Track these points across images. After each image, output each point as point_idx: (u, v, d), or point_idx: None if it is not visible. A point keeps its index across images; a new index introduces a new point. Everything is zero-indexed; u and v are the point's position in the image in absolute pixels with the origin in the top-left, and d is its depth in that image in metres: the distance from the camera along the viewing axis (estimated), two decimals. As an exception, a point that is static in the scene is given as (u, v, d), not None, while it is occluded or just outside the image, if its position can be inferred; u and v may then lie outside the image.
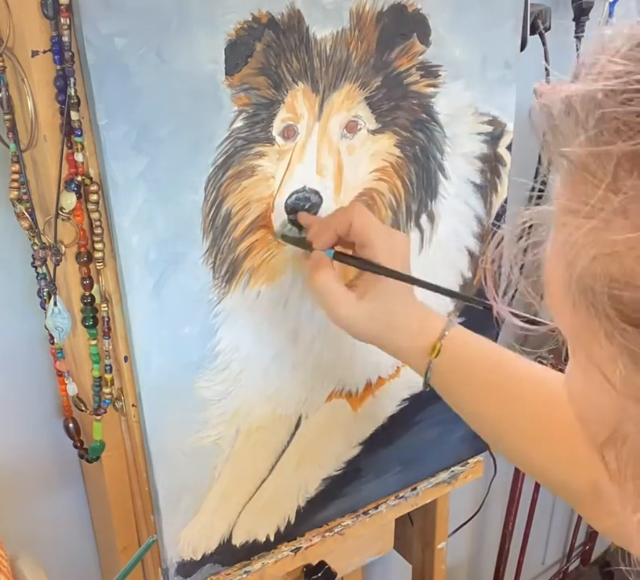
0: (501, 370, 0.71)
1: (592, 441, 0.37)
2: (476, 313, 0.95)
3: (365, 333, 0.72)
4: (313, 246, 0.72)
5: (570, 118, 0.32)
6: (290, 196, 0.74)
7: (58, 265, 0.68)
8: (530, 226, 0.42)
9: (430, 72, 0.78)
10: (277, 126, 0.71)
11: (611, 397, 0.33)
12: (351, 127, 0.75)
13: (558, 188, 0.33)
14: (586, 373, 0.35)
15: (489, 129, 0.86)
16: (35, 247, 0.69)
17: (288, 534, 0.93)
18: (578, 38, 1.14)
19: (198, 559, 0.86)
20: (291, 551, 0.94)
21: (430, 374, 0.71)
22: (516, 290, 0.47)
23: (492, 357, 0.72)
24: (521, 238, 0.43)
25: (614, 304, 0.30)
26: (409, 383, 0.94)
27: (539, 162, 1.19)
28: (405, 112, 0.78)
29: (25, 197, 0.67)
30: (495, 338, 1.01)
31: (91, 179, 0.66)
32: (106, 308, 0.71)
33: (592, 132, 0.30)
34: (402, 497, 1.02)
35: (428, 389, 0.73)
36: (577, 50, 1.15)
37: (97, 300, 0.71)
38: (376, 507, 1.00)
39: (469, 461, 1.07)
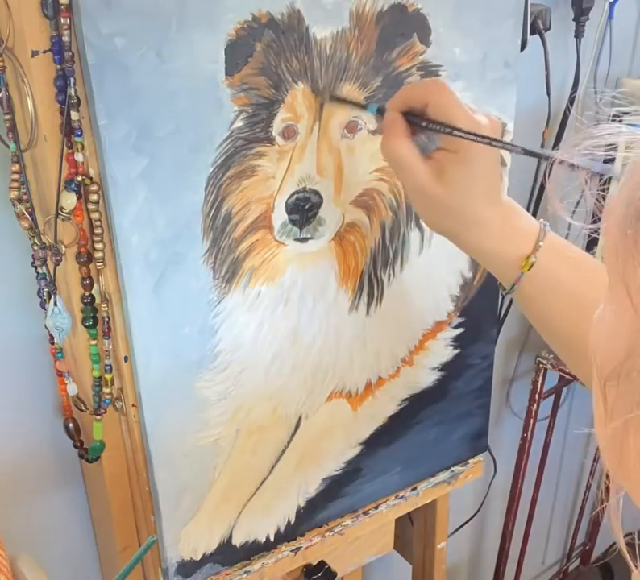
0: (595, 284, 0.59)
1: (598, 372, 0.36)
2: (477, 313, 0.96)
3: (437, 218, 0.64)
4: (388, 106, 0.63)
5: None
6: (290, 197, 0.74)
7: (58, 265, 0.68)
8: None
9: (430, 72, 0.78)
10: (277, 126, 0.71)
11: (630, 325, 0.33)
12: (352, 127, 0.75)
13: None
14: (614, 296, 0.34)
15: (489, 129, 0.86)
16: (35, 247, 0.69)
17: (288, 534, 0.93)
18: (578, 38, 1.14)
19: (198, 559, 0.86)
20: (291, 551, 0.94)
21: (516, 286, 0.63)
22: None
23: (584, 269, 0.64)
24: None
25: None
26: (409, 382, 0.94)
27: (539, 163, 1.19)
28: (405, 112, 0.78)
29: (25, 197, 0.67)
30: (495, 339, 1.01)
31: (91, 179, 0.66)
32: (106, 308, 0.71)
33: None
34: (402, 497, 1.02)
35: (505, 294, 0.65)
36: (577, 50, 1.15)
37: (97, 300, 0.71)
38: (376, 507, 1.00)
39: (469, 461, 1.07)
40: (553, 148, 1.17)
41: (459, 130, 0.60)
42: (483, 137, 0.60)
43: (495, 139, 0.60)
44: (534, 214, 1.23)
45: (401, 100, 0.64)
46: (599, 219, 0.41)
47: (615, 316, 0.35)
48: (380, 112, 0.66)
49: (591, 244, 1.16)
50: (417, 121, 0.62)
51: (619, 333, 0.34)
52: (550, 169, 0.47)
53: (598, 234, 0.41)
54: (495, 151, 0.62)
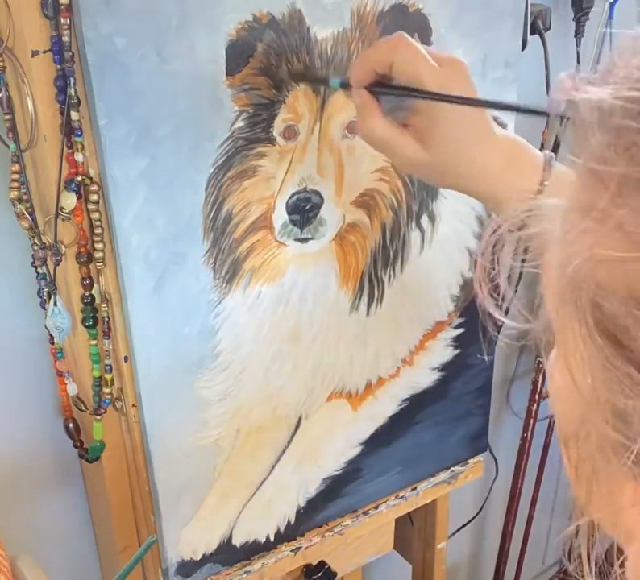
0: None
1: (558, 431, 0.36)
2: (477, 313, 0.96)
3: (437, 178, 0.63)
4: (352, 83, 0.61)
5: (585, 121, 0.31)
6: (291, 197, 0.74)
7: (58, 265, 0.68)
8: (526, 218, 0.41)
9: (430, 72, 0.78)
10: (278, 127, 0.71)
11: (579, 399, 0.33)
12: (352, 128, 0.75)
13: (573, 182, 0.32)
14: (562, 369, 0.34)
15: (490, 129, 0.86)
16: (35, 247, 0.69)
17: (288, 534, 0.93)
18: (578, 38, 1.14)
19: (198, 559, 0.86)
20: (291, 551, 0.94)
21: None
22: (515, 290, 0.45)
23: None
24: (520, 228, 0.41)
25: (594, 311, 0.30)
26: (410, 382, 0.94)
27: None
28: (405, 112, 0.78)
29: (25, 197, 0.67)
30: (495, 341, 1.01)
31: (91, 179, 0.66)
32: (106, 308, 0.71)
33: (603, 143, 0.30)
34: (402, 497, 1.02)
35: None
36: (577, 50, 1.15)
37: (97, 300, 0.71)
38: (376, 507, 1.00)
39: (469, 461, 1.07)
40: (553, 149, 1.17)
41: (427, 93, 0.57)
42: (452, 97, 0.57)
43: (464, 98, 0.57)
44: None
45: (363, 70, 0.61)
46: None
47: (563, 380, 0.34)
48: (344, 86, 0.64)
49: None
50: (385, 92, 0.60)
51: (569, 398, 0.34)
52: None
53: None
54: (471, 92, 0.59)
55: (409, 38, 0.60)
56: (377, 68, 0.60)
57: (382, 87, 0.60)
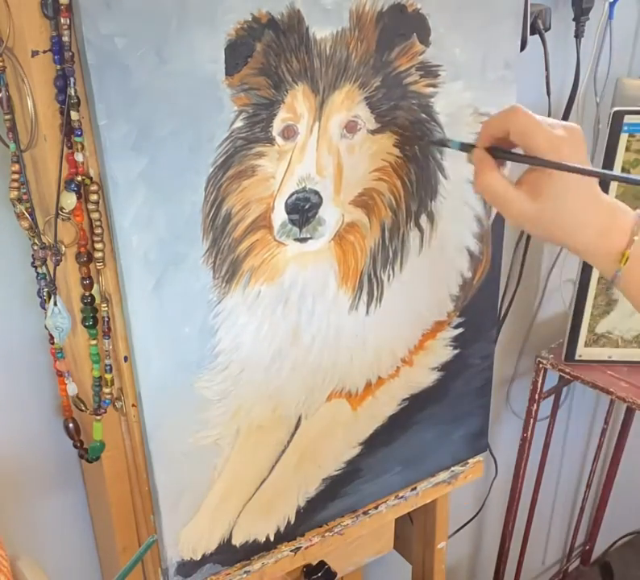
0: None
1: None
2: (477, 313, 0.96)
3: (545, 232, 0.67)
4: (476, 144, 0.68)
5: None
6: (290, 197, 0.74)
7: (58, 265, 0.68)
8: None
9: (429, 72, 0.78)
10: (277, 126, 0.71)
11: None
12: (351, 127, 0.75)
13: None
14: None
15: (489, 129, 0.86)
16: (35, 247, 0.69)
17: (288, 534, 0.93)
18: (578, 38, 1.14)
19: (198, 559, 0.86)
20: (291, 551, 0.94)
21: (617, 280, 0.67)
22: None
23: None
24: None
25: None
26: (409, 382, 0.94)
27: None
28: (404, 112, 0.78)
29: (25, 197, 0.68)
30: (495, 339, 1.01)
31: (91, 179, 0.66)
32: (106, 308, 0.71)
33: None
34: (402, 497, 1.02)
35: (610, 285, 0.71)
36: (577, 50, 1.15)
37: (97, 300, 0.71)
38: (376, 507, 1.00)
39: (469, 461, 1.07)
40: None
41: (541, 160, 0.63)
42: (564, 166, 0.63)
43: (576, 168, 0.63)
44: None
45: (484, 135, 0.68)
46: None
47: None
48: (464, 148, 0.71)
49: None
50: (502, 156, 0.67)
51: None
52: None
53: None
54: (581, 156, 0.64)
55: (524, 108, 0.66)
56: (496, 134, 0.67)
57: (500, 150, 0.67)
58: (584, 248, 0.68)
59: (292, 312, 0.81)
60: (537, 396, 1.36)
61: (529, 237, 1.25)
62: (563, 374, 1.29)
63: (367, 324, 0.86)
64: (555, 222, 0.66)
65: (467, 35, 0.80)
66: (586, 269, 1.19)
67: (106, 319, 0.72)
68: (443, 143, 0.76)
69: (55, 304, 0.70)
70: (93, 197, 0.66)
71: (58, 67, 0.61)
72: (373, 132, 0.77)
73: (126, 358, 0.74)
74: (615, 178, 0.67)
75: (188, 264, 0.72)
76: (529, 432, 1.40)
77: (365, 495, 0.98)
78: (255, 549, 0.91)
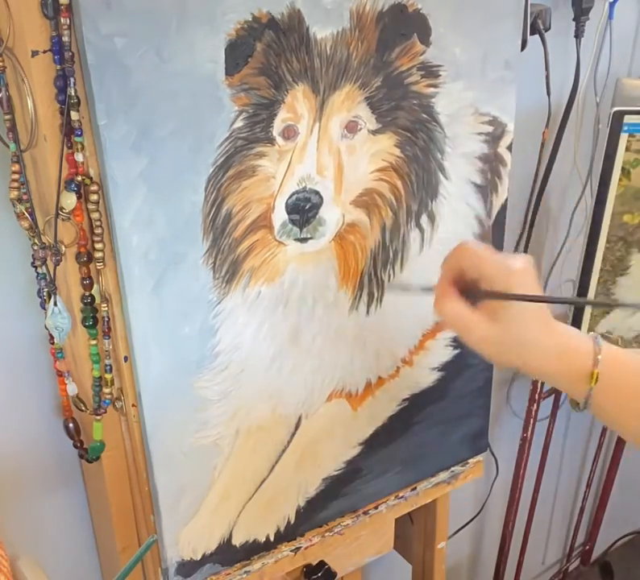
0: None
1: None
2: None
3: (501, 354, 0.70)
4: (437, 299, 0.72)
5: None
6: (291, 197, 0.74)
7: (58, 265, 0.68)
8: None
9: (430, 72, 0.78)
10: (278, 126, 0.71)
11: None
12: (352, 127, 0.75)
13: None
14: None
15: (489, 129, 0.86)
16: (35, 247, 0.69)
17: (288, 534, 0.93)
18: (578, 38, 1.14)
19: (198, 559, 0.86)
20: (291, 551, 0.94)
21: (589, 401, 0.70)
22: None
23: None
24: None
25: None
26: (409, 383, 0.94)
27: (538, 164, 1.19)
28: (405, 112, 0.78)
29: (25, 197, 0.67)
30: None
31: (91, 179, 0.66)
32: (106, 308, 0.71)
33: None
34: (402, 497, 1.02)
35: (580, 410, 0.73)
36: (577, 50, 1.15)
37: (97, 300, 0.71)
38: (376, 507, 1.00)
39: (469, 461, 1.07)
40: (552, 149, 1.18)
41: (503, 295, 0.67)
42: (529, 297, 0.67)
43: (541, 298, 0.68)
44: (534, 214, 1.23)
45: (443, 272, 0.71)
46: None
47: None
48: (426, 290, 0.73)
49: (591, 246, 1.16)
50: (470, 296, 0.70)
51: None
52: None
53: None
54: (533, 282, 0.68)
55: (471, 243, 0.71)
56: (453, 269, 0.70)
57: (467, 293, 0.70)
58: (544, 371, 0.70)
59: (293, 313, 0.81)
60: (537, 396, 1.36)
61: (529, 237, 1.25)
62: (563, 375, 1.29)
63: (367, 324, 0.86)
64: (513, 346, 0.69)
65: (468, 35, 0.80)
66: (586, 269, 1.19)
67: (106, 319, 0.72)
68: (405, 288, 0.82)
69: (55, 304, 0.70)
70: (93, 197, 0.66)
71: (58, 67, 0.61)
72: (374, 132, 0.77)
73: (126, 358, 0.74)
74: (565, 302, 0.72)
75: (188, 264, 0.72)
76: (529, 432, 1.40)
77: (365, 494, 0.98)
78: (255, 549, 0.91)
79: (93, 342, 0.73)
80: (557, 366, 0.69)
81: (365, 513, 0.99)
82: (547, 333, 0.69)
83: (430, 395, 0.97)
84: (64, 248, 0.68)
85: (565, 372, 0.69)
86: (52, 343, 0.73)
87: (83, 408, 0.77)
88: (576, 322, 1.23)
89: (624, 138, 1.08)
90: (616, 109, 1.07)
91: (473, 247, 0.70)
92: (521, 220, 1.24)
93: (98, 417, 0.76)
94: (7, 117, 0.64)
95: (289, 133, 0.72)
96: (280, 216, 0.75)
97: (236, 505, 0.87)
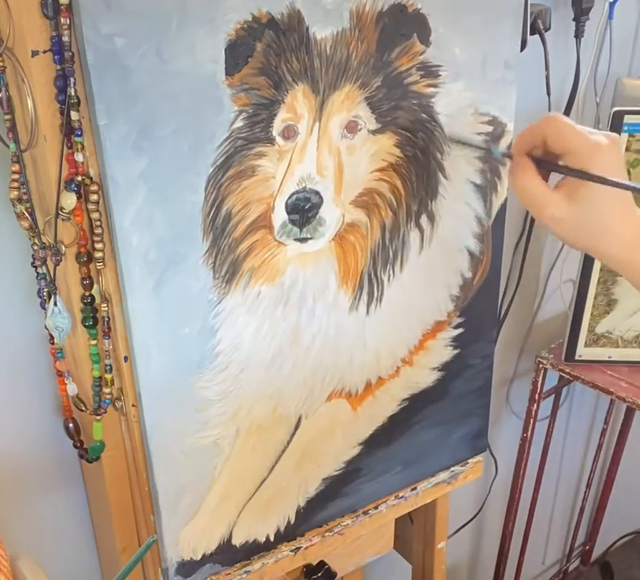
0: None
1: None
2: (477, 313, 0.96)
3: (573, 236, 0.68)
4: (513, 151, 0.69)
5: None
6: (290, 197, 0.74)
7: (58, 265, 0.68)
8: None
9: (430, 72, 0.78)
10: (277, 126, 0.71)
11: None
12: (352, 127, 0.75)
13: None
14: None
15: (489, 129, 0.86)
16: (35, 247, 0.69)
17: (288, 534, 0.93)
18: (578, 38, 1.14)
19: (198, 559, 0.86)
20: (291, 551, 0.94)
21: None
22: None
23: None
24: None
25: None
26: (410, 382, 0.94)
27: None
28: (405, 112, 0.78)
29: (25, 197, 0.67)
30: (495, 339, 1.01)
31: (91, 179, 0.66)
32: (106, 308, 0.71)
33: None
34: (402, 497, 1.02)
35: None
36: (577, 50, 1.15)
37: (97, 300, 0.71)
38: (376, 507, 1.00)
39: (469, 461, 1.07)
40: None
41: (580, 172, 0.64)
42: (603, 179, 0.63)
43: (616, 182, 0.63)
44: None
45: (522, 141, 0.68)
46: None
47: None
48: (506, 155, 0.72)
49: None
50: (543, 164, 0.67)
51: None
52: None
53: None
54: (618, 163, 0.65)
55: (561, 115, 0.67)
56: (534, 142, 0.67)
57: (541, 160, 0.67)
58: (611, 256, 0.68)
59: (293, 313, 0.81)
60: (537, 396, 1.36)
61: (529, 237, 1.25)
62: (563, 374, 1.29)
63: (367, 324, 0.86)
64: (584, 228, 0.66)
65: (468, 35, 0.80)
66: (586, 269, 1.19)
67: (106, 319, 0.72)
68: (485, 150, 0.79)
69: (55, 304, 0.70)
70: (93, 197, 0.66)
71: (58, 67, 0.61)
72: (374, 132, 0.77)
73: (126, 358, 0.74)
74: None
75: (188, 264, 0.72)
76: (529, 432, 1.40)
77: (365, 494, 0.98)
78: (255, 549, 0.91)
79: (93, 342, 0.73)
80: (628, 254, 0.67)
81: (365, 513, 0.99)
82: (623, 220, 0.66)
83: (430, 395, 0.97)
84: (64, 248, 0.68)
85: (633, 261, 0.67)
86: (52, 343, 0.73)
87: (83, 408, 0.77)
88: (576, 322, 1.23)
89: (624, 138, 1.08)
90: (616, 109, 1.07)
91: (562, 118, 0.66)
92: (521, 220, 1.24)
93: (98, 417, 0.76)
94: (7, 117, 0.64)
95: (289, 133, 0.72)
96: (279, 216, 0.75)
97: (236, 505, 0.87)
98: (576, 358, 1.27)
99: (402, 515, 1.05)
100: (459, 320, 0.95)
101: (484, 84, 0.83)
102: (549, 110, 1.14)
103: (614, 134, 0.66)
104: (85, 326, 0.72)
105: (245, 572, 0.90)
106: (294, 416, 0.87)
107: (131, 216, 0.67)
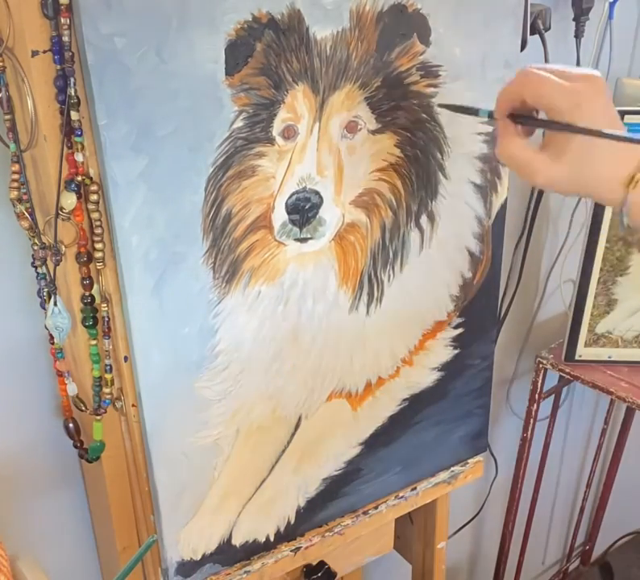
0: None
1: None
2: (477, 313, 0.96)
3: (573, 190, 0.66)
4: (495, 114, 0.66)
5: None
6: (290, 197, 0.74)
7: (58, 265, 0.68)
8: None
9: (430, 72, 0.78)
10: (277, 126, 0.71)
11: None
12: (352, 127, 0.75)
13: None
14: None
15: (489, 129, 0.86)
16: (35, 247, 0.69)
17: (288, 534, 0.93)
18: (578, 38, 1.14)
19: (198, 559, 0.86)
20: (291, 551, 0.94)
21: (625, 209, 0.64)
22: None
23: None
24: None
25: None
26: (410, 382, 0.94)
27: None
28: (405, 112, 0.78)
29: (25, 197, 0.67)
30: (495, 339, 1.01)
31: (91, 179, 0.66)
32: (106, 308, 0.71)
33: None
34: (402, 497, 1.02)
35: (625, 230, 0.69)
36: (577, 50, 1.15)
37: (97, 300, 0.71)
38: (376, 507, 1.00)
39: (469, 461, 1.07)
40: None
41: (561, 124, 0.61)
42: (586, 130, 0.60)
43: (597, 132, 0.60)
44: (534, 214, 1.23)
45: (501, 104, 0.66)
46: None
47: None
48: (491, 116, 0.69)
49: (591, 246, 1.16)
50: (522, 121, 0.65)
51: None
52: None
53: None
54: (603, 108, 0.62)
55: (535, 69, 0.63)
56: (514, 102, 0.65)
57: (520, 117, 0.65)
58: (612, 202, 0.65)
59: (293, 313, 0.81)
60: (537, 396, 1.36)
61: (529, 237, 1.25)
62: (563, 374, 1.29)
63: (367, 324, 0.86)
64: (580, 181, 0.64)
65: (468, 35, 0.80)
66: (586, 269, 1.19)
67: (106, 319, 0.72)
68: (473, 112, 0.74)
69: (55, 304, 0.70)
70: (93, 197, 0.66)
71: (58, 67, 0.61)
72: (374, 132, 0.77)
73: (126, 358, 0.74)
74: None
75: (188, 264, 0.72)
76: (529, 432, 1.40)
77: (365, 495, 0.98)
78: (255, 549, 0.91)
79: (93, 342, 0.73)
80: (633, 198, 0.63)
81: (365, 513, 0.99)
82: (622, 164, 0.63)
83: (430, 395, 0.97)
84: (64, 248, 0.68)
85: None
86: (52, 343, 0.73)
87: (83, 408, 0.77)
88: (576, 321, 1.23)
89: (624, 138, 1.08)
90: (616, 109, 1.07)
91: (537, 72, 0.63)
92: (521, 220, 1.24)
93: (98, 417, 0.76)
94: (7, 117, 0.64)
95: (289, 133, 0.72)
96: (280, 216, 0.75)
97: (236, 505, 0.87)
98: (576, 358, 1.27)
99: (402, 515, 1.05)
100: (459, 320, 0.95)
101: (484, 85, 0.83)
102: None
103: (594, 74, 0.62)
104: (85, 326, 0.72)
105: (245, 572, 0.90)
106: (294, 416, 0.87)
107: (131, 216, 0.67)
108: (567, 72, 0.63)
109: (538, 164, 0.65)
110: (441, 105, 0.78)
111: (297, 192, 0.74)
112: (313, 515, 0.94)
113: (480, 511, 1.53)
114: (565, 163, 0.63)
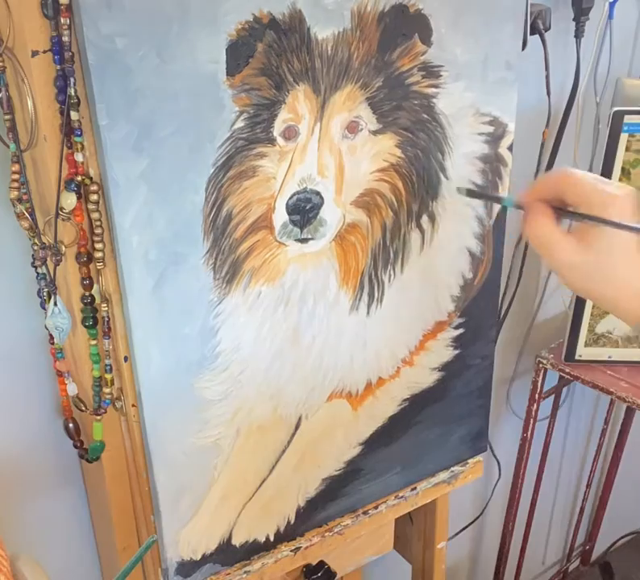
0: None
1: None
2: (477, 314, 0.96)
3: (582, 282, 0.68)
4: (525, 201, 0.69)
5: None
6: (291, 197, 0.74)
7: (58, 265, 0.68)
8: None
9: (431, 72, 0.78)
10: (278, 127, 0.71)
11: None
12: (353, 128, 0.75)
13: None
14: None
15: (490, 129, 0.86)
16: (35, 247, 0.69)
17: (288, 534, 0.93)
18: (578, 38, 1.14)
19: (198, 559, 0.86)
20: (291, 551, 0.94)
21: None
22: None
23: None
24: None
25: None
26: (410, 383, 0.94)
27: (538, 164, 1.19)
28: (406, 112, 0.78)
29: (25, 197, 0.67)
30: (495, 339, 1.01)
31: (91, 179, 0.66)
32: (106, 308, 0.71)
33: None
34: (402, 497, 1.02)
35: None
36: (577, 50, 1.15)
37: (97, 300, 0.71)
38: (376, 507, 1.00)
39: (469, 461, 1.07)
40: (552, 149, 1.17)
41: (599, 219, 0.64)
42: (624, 226, 0.63)
43: (629, 227, 0.63)
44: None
45: (535, 192, 0.69)
46: None
47: None
48: (518, 206, 0.71)
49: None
50: (558, 212, 0.67)
51: None
52: None
53: None
54: (634, 213, 0.64)
55: (576, 170, 0.67)
56: (547, 192, 0.68)
57: (559, 209, 0.68)
58: (617, 305, 0.68)
59: (293, 313, 0.81)
60: (537, 396, 1.36)
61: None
62: (563, 374, 1.29)
63: (367, 324, 0.86)
64: (594, 275, 0.66)
65: (469, 36, 0.80)
66: (586, 269, 1.19)
67: (106, 319, 0.72)
68: (497, 200, 0.79)
69: (55, 304, 0.70)
70: (93, 197, 0.66)
71: (58, 67, 0.60)
72: (375, 133, 0.77)
73: (126, 358, 0.74)
74: None
75: (188, 265, 0.72)
76: (529, 432, 1.40)
77: (365, 495, 0.98)
78: (255, 549, 0.91)
79: (93, 342, 0.73)
80: (630, 304, 0.66)
81: (365, 513, 0.99)
82: (636, 270, 0.66)
83: (430, 395, 0.97)
84: (64, 248, 0.68)
85: (635, 310, 0.66)
86: (52, 343, 0.73)
87: (83, 408, 0.77)
88: (576, 321, 1.23)
89: (624, 138, 1.08)
90: (616, 109, 1.07)
91: (578, 172, 0.66)
92: (522, 220, 1.24)
93: (98, 417, 0.76)
94: (7, 117, 0.64)
95: (290, 133, 0.72)
96: (280, 216, 0.75)
97: (236, 505, 0.87)
98: (576, 358, 1.27)
99: (402, 515, 1.05)
100: (460, 320, 0.95)
101: (485, 85, 0.83)
102: (549, 110, 1.14)
103: (629, 187, 0.66)
104: (85, 326, 0.72)
105: (245, 572, 0.90)
106: (294, 417, 0.87)
107: (132, 216, 0.67)
108: (603, 179, 0.67)
109: (565, 245, 0.66)
110: (461, 191, 0.82)
111: (297, 192, 0.74)
112: (313, 515, 0.94)
113: (481, 513, 1.53)
114: (587, 252, 0.66)
